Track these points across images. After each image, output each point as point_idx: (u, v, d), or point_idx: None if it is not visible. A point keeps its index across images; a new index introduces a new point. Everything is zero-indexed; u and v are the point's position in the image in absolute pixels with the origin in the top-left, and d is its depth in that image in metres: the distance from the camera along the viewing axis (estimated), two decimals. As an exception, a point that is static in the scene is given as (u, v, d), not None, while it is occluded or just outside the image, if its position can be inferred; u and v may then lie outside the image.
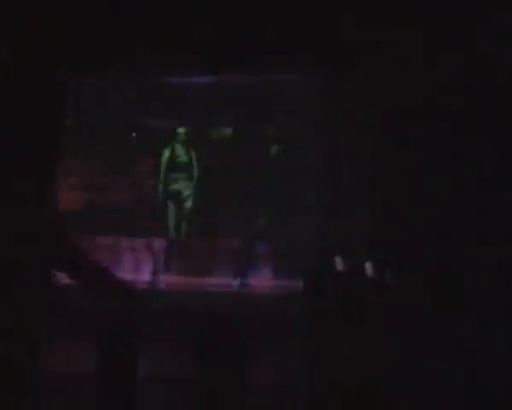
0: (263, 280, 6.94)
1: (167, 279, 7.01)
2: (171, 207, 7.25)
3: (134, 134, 7.36)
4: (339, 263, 4.89)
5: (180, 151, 7.29)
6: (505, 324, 4.02)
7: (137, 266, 7.01)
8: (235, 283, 7.01)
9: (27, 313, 2.19)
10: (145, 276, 6.97)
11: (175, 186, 7.28)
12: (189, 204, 7.27)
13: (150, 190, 7.31)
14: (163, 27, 5.97)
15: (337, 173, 6.28)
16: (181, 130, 7.27)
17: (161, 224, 7.26)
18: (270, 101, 7.07)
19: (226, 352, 3.38)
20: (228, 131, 7.40)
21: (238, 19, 5.85)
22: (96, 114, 7.23)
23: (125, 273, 6.25)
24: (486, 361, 3.58)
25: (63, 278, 2.80)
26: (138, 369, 3.52)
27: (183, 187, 7.28)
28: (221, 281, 6.88)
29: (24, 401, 2.17)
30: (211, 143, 7.37)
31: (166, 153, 7.28)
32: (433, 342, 3.62)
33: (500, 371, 3.52)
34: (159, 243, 7.15)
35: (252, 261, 7.06)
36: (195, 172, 7.29)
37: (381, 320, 3.96)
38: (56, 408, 3.25)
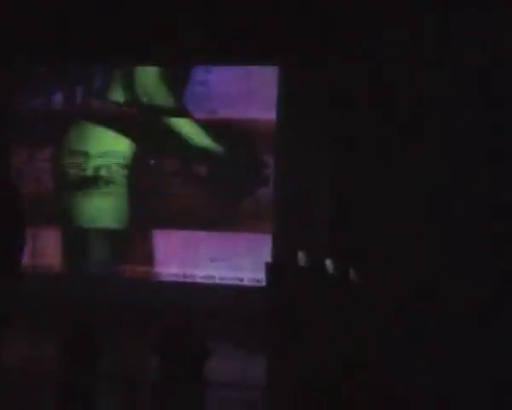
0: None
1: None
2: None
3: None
4: (301, 259, 4.94)
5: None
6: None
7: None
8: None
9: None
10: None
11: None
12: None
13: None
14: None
15: (296, 169, 6.28)
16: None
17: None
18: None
19: (184, 352, 3.36)
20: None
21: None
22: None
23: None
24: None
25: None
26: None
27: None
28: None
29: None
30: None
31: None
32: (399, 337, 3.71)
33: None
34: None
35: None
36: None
37: (341, 316, 4.03)
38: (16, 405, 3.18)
